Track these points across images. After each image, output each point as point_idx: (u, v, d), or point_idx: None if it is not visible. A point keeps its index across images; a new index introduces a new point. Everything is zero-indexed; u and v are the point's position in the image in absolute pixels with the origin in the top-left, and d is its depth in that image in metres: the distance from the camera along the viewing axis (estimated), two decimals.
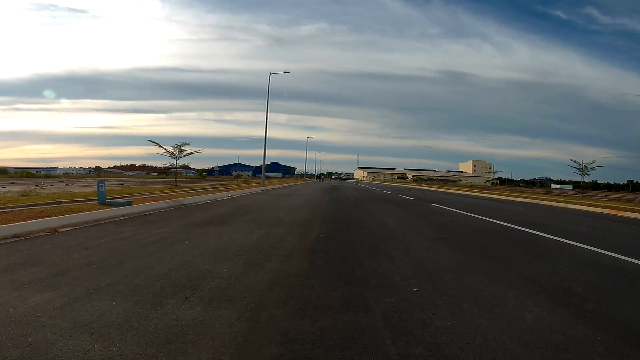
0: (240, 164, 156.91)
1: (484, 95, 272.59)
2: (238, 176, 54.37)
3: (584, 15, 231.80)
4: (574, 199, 25.88)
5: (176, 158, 27.04)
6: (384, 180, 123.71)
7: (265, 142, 36.75)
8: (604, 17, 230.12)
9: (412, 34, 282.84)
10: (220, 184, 35.26)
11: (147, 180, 53.27)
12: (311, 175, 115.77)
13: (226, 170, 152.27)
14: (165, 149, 26.39)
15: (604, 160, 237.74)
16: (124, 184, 29.90)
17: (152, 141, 26.79)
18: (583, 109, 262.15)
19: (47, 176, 76.04)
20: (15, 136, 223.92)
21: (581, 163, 28.27)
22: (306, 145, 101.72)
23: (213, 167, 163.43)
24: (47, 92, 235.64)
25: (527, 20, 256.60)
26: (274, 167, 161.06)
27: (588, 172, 28.37)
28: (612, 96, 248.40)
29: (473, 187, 74.83)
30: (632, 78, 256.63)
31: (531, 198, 25.18)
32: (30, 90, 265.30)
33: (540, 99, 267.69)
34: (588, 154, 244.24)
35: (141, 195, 15.55)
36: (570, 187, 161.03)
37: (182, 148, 26.79)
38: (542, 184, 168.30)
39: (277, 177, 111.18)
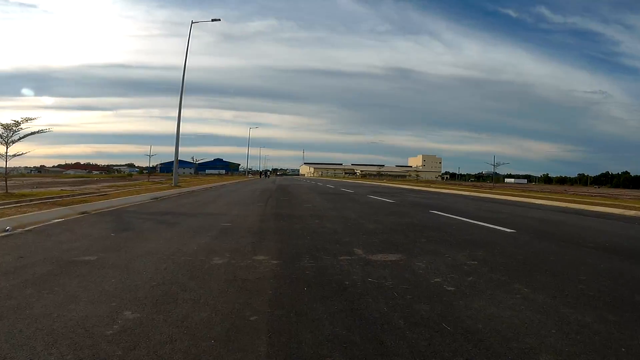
0: (182, 160, 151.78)
1: (431, 92, 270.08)
2: (150, 174, 40.22)
3: (535, 14, 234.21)
4: None
5: (6, 142, 13.59)
6: (335, 177, 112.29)
7: (178, 126, 23.28)
8: (555, 15, 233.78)
9: (361, 31, 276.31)
10: (116, 185, 22.45)
11: (57, 180, 39.03)
12: (255, 172, 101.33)
13: (168, 168, 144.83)
14: None
15: (552, 154, 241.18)
16: None
17: None
18: (531, 104, 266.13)
19: None
20: None
21: None
22: (248, 138, 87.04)
23: (156, 165, 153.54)
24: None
25: (477, 18, 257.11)
26: (217, 163, 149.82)
27: None
28: (561, 92, 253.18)
29: (445, 184, 64.62)
30: (581, 75, 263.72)
31: (584, 203, 14.09)
32: None
33: (488, 95, 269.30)
34: (536, 148, 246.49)
35: None
36: (525, 181, 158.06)
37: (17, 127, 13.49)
38: (489, 178, 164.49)
39: (215, 174, 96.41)
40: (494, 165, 37.62)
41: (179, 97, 23.01)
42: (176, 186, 21.72)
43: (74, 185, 23.84)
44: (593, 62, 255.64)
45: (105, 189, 19.26)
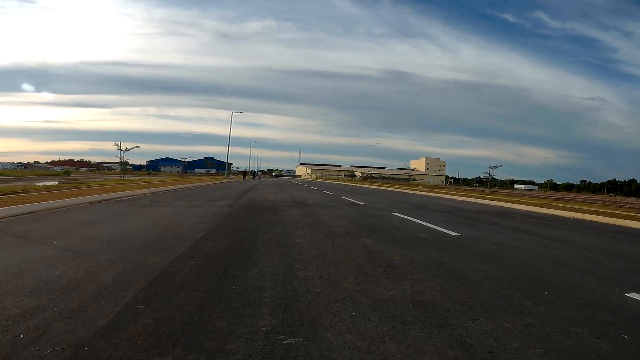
0: (170, 158, 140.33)
1: (428, 95, 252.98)
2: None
3: (533, 19, 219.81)
4: None
5: None
6: (338, 179, 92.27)
7: None
8: (554, 21, 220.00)
9: (359, 33, 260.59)
10: None
11: None
12: (239, 172, 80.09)
13: (155, 166, 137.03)
14: None
15: (549, 160, 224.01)
16: None
17: None
18: (528, 110, 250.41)
19: None
20: None
21: None
22: (230, 126, 64.72)
23: (147, 163, 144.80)
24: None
25: (474, 22, 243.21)
26: (209, 161, 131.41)
27: None
28: (558, 98, 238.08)
29: (496, 193, 45.04)
30: (577, 81, 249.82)
31: None
32: None
33: (484, 99, 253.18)
34: (532, 154, 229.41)
35: None
36: (535, 187, 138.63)
37: None
38: (492, 184, 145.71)
39: (174, 174, 76.55)
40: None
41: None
42: None
43: None
44: (590, 69, 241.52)
45: None
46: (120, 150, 24.67)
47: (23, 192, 12.83)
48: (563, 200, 28.17)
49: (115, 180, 22.72)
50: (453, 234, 6.88)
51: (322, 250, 4.89)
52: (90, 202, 11.08)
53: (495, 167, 39.86)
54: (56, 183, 19.28)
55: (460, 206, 14.83)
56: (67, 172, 48.55)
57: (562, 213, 12.79)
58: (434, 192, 28.92)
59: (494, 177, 40.21)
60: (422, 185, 52.61)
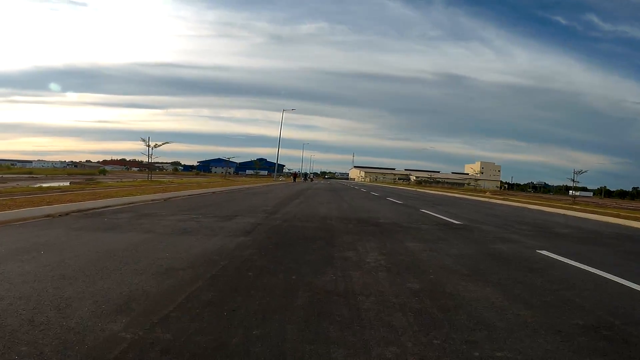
0: (221, 159, 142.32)
1: (481, 99, 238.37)
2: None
3: (585, 21, 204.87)
4: None
5: None
6: (395, 183, 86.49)
7: None
8: (605, 24, 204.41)
9: (412, 36, 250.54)
10: None
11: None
12: (290, 174, 76.19)
13: (206, 167, 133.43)
14: None
15: (601, 166, 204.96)
16: None
17: None
18: (580, 114, 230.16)
19: None
20: (11, 128, 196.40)
21: None
22: (281, 122, 60.86)
23: (198, 163, 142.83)
24: (53, 85, 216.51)
25: (527, 25, 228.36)
26: (261, 162, 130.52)
27: None
28: (610, 103, 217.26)
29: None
30: (631, 85, 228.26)
31: None
32: (29, 82, 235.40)
33: (537, 103, 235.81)
34: (584, 159, 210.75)
35: None
36: (591, 194, 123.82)
37: None
38: (545, 189, 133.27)
39: (245, 175, 73.94)
40: None
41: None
42: None
43: None
44: None
45: None
46: (149, 146, 21.30)
47: None
48: None
49: (140, 181, 19.22)
50: None
51: None
52: (47, 215, 7.20)
53: (580, 172, 33.57)
54: (67, 184, 15.92)
55: (587, 227, 9.66)
56: (103, 172, 47.08)
57: None
58: (507, 200, 23.24)
59: (545, 182, 33.40)
60: (489, 192, 45.85)
